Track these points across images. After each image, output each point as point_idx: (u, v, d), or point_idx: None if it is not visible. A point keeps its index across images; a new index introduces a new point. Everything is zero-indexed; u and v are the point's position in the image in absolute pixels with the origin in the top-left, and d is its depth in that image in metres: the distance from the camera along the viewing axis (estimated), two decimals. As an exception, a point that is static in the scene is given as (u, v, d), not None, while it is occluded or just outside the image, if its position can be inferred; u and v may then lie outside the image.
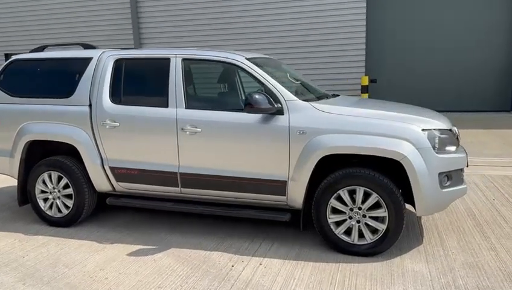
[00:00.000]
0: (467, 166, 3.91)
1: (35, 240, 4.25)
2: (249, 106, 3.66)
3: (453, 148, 3.69)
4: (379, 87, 12.64)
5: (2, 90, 4.70)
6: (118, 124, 4.23)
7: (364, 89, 11.87)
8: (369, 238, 3.66)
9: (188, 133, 4.00)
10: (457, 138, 4.01)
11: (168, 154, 4.10)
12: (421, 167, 3.46)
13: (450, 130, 3.82)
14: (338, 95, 4.83)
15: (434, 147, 3.54)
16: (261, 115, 3.81)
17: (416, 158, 3.47)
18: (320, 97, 4.35)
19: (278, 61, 5.04)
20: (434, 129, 3.61)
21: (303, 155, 3.69)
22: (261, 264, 3.59)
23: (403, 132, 3.53)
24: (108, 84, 4.32)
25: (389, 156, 3.50)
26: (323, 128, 3.66)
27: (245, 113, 3.81)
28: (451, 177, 3.64)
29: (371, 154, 3.54)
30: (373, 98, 12.36)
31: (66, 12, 13.99)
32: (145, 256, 3.81)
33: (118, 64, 4.35)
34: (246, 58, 4.05)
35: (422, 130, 3.55)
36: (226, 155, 3.94)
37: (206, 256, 3.77)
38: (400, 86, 12.42)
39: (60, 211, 4.56)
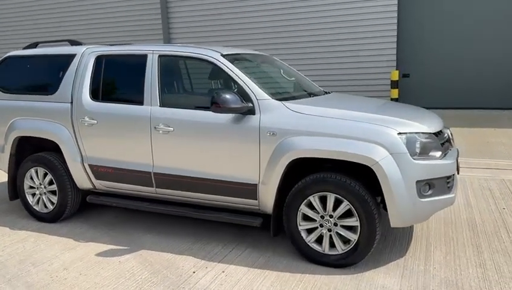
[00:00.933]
0: (457, 173, 3.56)
1: (17, 235, 4.31)
2: (215, 105, 3.48)
3: (437, 153, 3.35)
4: (412, 82, 12.01)
5: (-4, 87, 4.79)
6: (96, 121, 4.18)
7: (394, 84, 11.32)
8: (340, 248, 3.40)
9: (161, 132, 3.89)
10: (448, 140, 3.66)
11: (143, 153, 4.01)
12: (394, 173, 3.16)
13: (437, 133, 3.48)
14: (328, 93, 4.55)
15: (413, 152, 3.22)
16: (232, 114, 3.63)
17: (390, 164, 3.16)
18: (312, 94, 4.12)
19: (270, 58, 4.83)
20: (414, 133, 3.28)
21: (273, 158, 3.48)
22: (223, 271, 3.42)
23: (376, 135, 3.23)
24: (89, 81, 4.28)
25: (360, 162, 3.22)
26: (294, 130, 3.43)
27: (217, 113, 3.63)
28: (434, 185, 3.31)
29: (341, 158, 3.27)
30: (405, 94, 11.79)
31: (96, 10, 14.32)
32: (112, 257, 3.75)
33: (99, 60, 4.29)
34: (222, 55, 3.88)
35: (399, 133, 3.23)
36: (198, 156, 3.79)
37: (172, 260, 3.65)
38: (435, 82, 11.69)
39: (46, 206, 4.60)
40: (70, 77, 4.37)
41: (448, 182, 3.43)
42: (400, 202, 3.18)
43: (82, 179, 4.37)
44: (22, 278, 3.43)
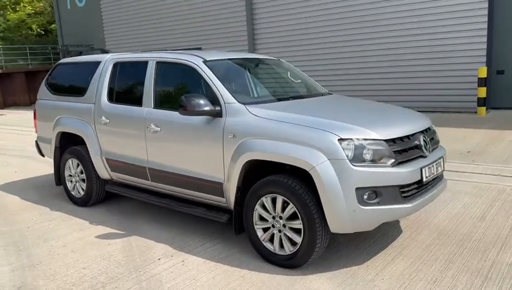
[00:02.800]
0: (420, 182, 3.37)
1: (50, 215, 5.10)
2: (181, 108, 3.78)
3: (387, 160, 3.23)
4: (507, 80, 10.83)
5: (47, 88, 5.69)
6: (108, 120, 4.77)
7: (481, 82, 10.37)
8: (288, 249, 3.47)
9: (152, 131, 4.31)
10: (416, 146, 3.47)
11: (140, 150, 4.48)
12: (330, 179, 3.14)
13: (395, 139, 3.33)
14: (324, 95, 4.55)
15: (355, 159, 3.16)
16: (204, 116, 3.88)
17: (327, 170, 3.15)
18: (297, 97, 4.28)
19: (277, 62, 5.00)
20: (357, 139, 3.21)
21: (233, 159, 3.67)
22: (183, 261, 3.72)
23: (316, 140, 3.24)
24: (107, 85, 4.89)
25: (299, 165, 3.27)
26: (251, 133, 3.58)
27: (184, 115, 3.91)
28: (381, 194, 3.20)
29: (283, 162, 3.36)
30: (497, 93, 10.70)
31: (185, 18, 15.46)
32: (106, 239, 4.28)
33: (115, 66, 4.88)
34: (205, 61, 4.15)
35: (340, 139, 3.19)
36: (179, 154, 4.14)
37: (150, 246, 4.05)
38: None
39: (79, 192, 5.35)
40: (95, 81, 5.03)
41: (403, 192, 3.28)
42: (336, 208, 3.15)
43: (102, 170, 5.01)
44: (29, 249, 4.13)
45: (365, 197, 3.18)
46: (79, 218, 4.94)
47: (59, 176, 5.62)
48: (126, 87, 4.82)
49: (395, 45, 11.45)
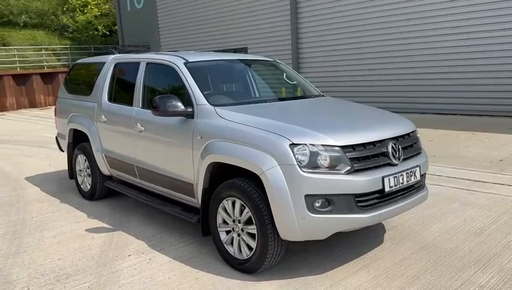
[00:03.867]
0: (382, 192, 3.18)
1: (58, 206, 5.40)
2: (153, 109, 3.84)
3: (344, 168, 3.08)
4: None
5: (65, 87, 6.03)
6: (106, 119, 4.96)
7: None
8: (245, 254, 3.42)
9: (138, 130, 4.43)
10: (383, 154, 3.29)
11: (130, 147, 4.62)
12: (279, 185, 3.05)
13: (355, 146, 3.17)
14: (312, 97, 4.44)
15: (305, 165, 3.04)
16: (180, 117, 3.92)
17: (276, 175, 3.07)
18: (281, 99, 4.29)
19: (274, 64, 4.94)
20: (313, 145, 3.08)
21: (200, 160, 3.68)
22: (150, 259, 3.79)
23: (269, 144, 3.16)
24: (108, 84, 5.09)
25: (251, 170, 3.21)
26: (214, 134, 3.58)
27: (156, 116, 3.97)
28: (333, 202, 3.06)
29: (239, 165, 3.31)
30: None
31: (233, 20, 15.65)
32: (92, 233, 4.46)
33: (115, 67, 5.06)
34: (186, 62, 4.19)
35: (292, 144, 3.09)
36: (158, 153, 4.22)
37: (128, 243, 4.17)
38: None
39: (86, 187, 5.62)
40: (99, 81, 5.26)
41: (359, 201, 3.11)
42: (285, 214, 3.06)
43: (103, 166, 5.22)
44: (23, 238, 4.40)
45: (317, 204, 3.05)
46: (80, 211, 5.19)
47: (72, 170, 5.93)
48: (122, 87, 4.98)
49: (450, 50, 10.78)
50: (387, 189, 3.20)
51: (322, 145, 3.10)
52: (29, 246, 4.19)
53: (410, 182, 3.41)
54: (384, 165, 3.29)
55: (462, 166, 6.31)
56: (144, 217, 4.87)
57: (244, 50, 14.91)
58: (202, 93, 3.89)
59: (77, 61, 6.08)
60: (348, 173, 3.09)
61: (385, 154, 3.31)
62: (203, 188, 3.69)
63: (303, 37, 13.83)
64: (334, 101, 4.52)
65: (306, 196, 3.03)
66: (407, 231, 4.17)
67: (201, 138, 3.67)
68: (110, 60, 5.19)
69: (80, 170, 5.71)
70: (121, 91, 4.98)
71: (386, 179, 3.19)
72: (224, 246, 3.59)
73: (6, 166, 7.96)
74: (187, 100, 3.88)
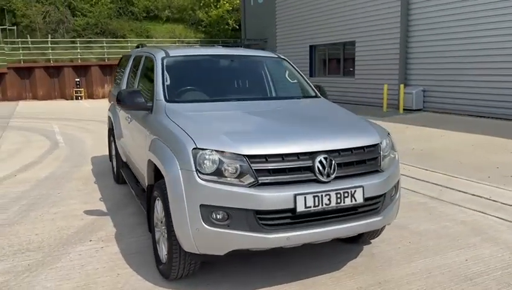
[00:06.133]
0: (293, 211, 2.76)
1: (86, 186, 5.87)
2: (118, 102, 3.88)
3: (247, 180, 2.75)
4: None
5: (114, 78, 6.49)
6: (119, 109, 5.21)
7: None
8: (163, 257, 3.28)
9: (128, 122, 4.56)
10: (308, 168, 2.86)
11: (126, 135, 4.79)
12: (176, 190, 2.85)
13: (266, 156, 2.79)
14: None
15: (208, 172, 2.78)
16: (145, 111, 3.91)
17: (175, 179, 2.87)
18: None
19: (278, 61, 4.65)
20: (217, 151, 2.80)
21: (147, 156, 3.64)
22: (102, 248, 3.87)
23: (178, 146, 2.97)
24: (127, 76, 5.33)
25: (161, 171, 3.05)
26: (154, 131, 3.51)
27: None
28: (231, 216, 2.75)
29: (156, 164, 3.18)
30: None
31: (343, 14, 15.08)
32: (87, 215, 4.73)
33: (133, 60, 5.26)
34: (165, 56, 4.15)
35: (196, 148, 2.84)
36: (132, 145, 4.31)
37: (102, 228, 4.32)
38: None
39: (114, 169, 6.01)
40: (125, 72, 5.53)
41: (262, 219, 2.74)
42: (179, 223, 2.85)
43: (122, 153, 5.50)
44: (30, 211, 4.87)
45: (214, 216, 2.78)
46: (97, 193, 5.55)
47: (110, 153, 6.39)
48: (132, 79, 5.16)
49: None
50: (300, 209, 2.76)
51: (228, 152, 2.79)
52: (27, 219, 4.63)
53: (342, 204, 2.87)
54: (307, 181, 2.84)
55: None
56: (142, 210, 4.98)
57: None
58: (163, 88, 3.81)
59: (123, 55, 6.48)
60: (251, 185, 2.74)
61: (310, 169, 2.85)
62: (147, 185, 3.64)
63: (413, 30, 12.71)
64: (315, 105, 4.03)
65: (201, 205, 2.77)
66: (377, 263, 3.54)
67: (150, 133, 3.62)
68: (133, 53, 5.42)
69: (113, 155, 6.11)
70: (130, 83, 5.16)
71: (299, 198, 2.75)
72: (156, 245, 3.49)
73: (90, 146, 8.92)
74: (152, 94, 3.86)
